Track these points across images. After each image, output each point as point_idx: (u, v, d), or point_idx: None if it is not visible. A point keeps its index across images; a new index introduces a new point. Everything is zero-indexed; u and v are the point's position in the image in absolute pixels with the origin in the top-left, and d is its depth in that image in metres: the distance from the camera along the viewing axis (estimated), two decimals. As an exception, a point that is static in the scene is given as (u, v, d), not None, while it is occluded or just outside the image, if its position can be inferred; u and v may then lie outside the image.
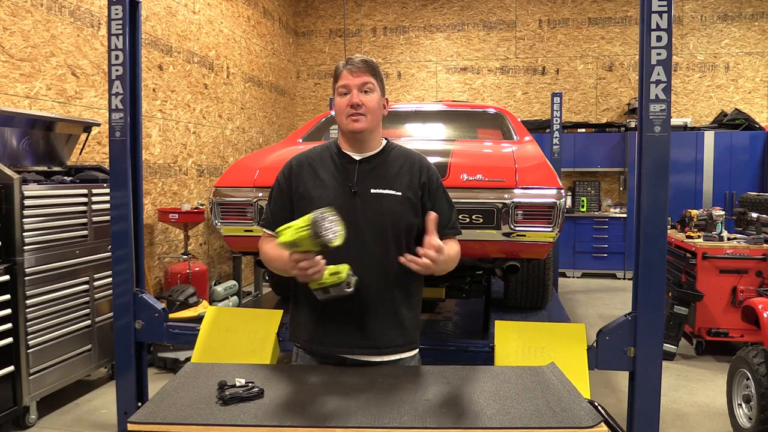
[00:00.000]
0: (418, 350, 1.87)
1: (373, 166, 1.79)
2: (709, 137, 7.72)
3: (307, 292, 1.67)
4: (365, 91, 1.74)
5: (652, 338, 2.35)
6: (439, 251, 1.58)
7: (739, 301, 4.32)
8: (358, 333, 1.73)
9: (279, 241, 1.51)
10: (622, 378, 3.79)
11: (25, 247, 3.26)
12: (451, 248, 1.76)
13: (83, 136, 4.14)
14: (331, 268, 1.57)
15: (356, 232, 1.67)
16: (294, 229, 1.48)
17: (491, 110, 4.13)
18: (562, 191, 2.64)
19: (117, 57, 2.69)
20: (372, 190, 1.75)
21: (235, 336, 2.74)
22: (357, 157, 1.79)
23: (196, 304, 4.61)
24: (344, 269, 1.58)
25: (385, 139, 1.87)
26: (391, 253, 1.71)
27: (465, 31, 8.82)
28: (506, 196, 2.61)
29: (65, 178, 3.79)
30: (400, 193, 1.75)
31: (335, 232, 1.50)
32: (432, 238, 1.60)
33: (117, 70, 2.70)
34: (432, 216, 1.64)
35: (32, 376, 3.30)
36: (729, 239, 4.69)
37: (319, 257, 1.53)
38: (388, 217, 1.72)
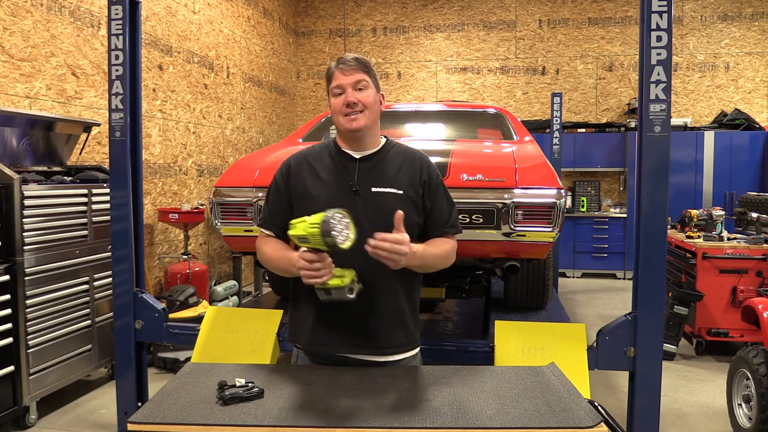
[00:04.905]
0: (419, 349, 1.87)
1: (373, 164, 1.77)
2: (709, 137, 7.72)
3: (308, 293, 1.66)
4: (360, 89, 1.72)
5: (652, 338, 2.34)
6: (397, 242, 1.53)
7: (739, 301, 4.32)
8: (361, 333, 1.72)
9: (290, 233, 1.54)
10: (622, 378, 3.79)
11: (25, 247, 3.26)
12: (440, 246, 1.74)
13: (83, 136, 4.14)
14: (337, 271, 1.56)
15: (358, 232, 1.67)
16: (307, 224, 1.50)
17: (491, 110, 4.13)
18: (562, 191, 2.64)
19: (117, 57, 2.69)
20: (373, 189, 1.73)
21: (235, 336, 2.73)
22: (356, 155, 1.77)
23: (196, 304, 4.61)
24: (349, 275, 1.57)
25: (384, 137, 1.85)
26: None
27: (465, 31, 8.82)
28: (506, 196, 2.61)
29: (65, 178, 3.79)
30: (401, 192, 1.74)
31: (345, 234, 1.49)
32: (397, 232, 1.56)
33: (117, 70, 2.70)
34: (398, 215, 1.58)
35: (32, 376, 3.30)
36: (729, 239, 4.69)
37: (330, 260, 1.53)
38: (390, 215, 1.69)
